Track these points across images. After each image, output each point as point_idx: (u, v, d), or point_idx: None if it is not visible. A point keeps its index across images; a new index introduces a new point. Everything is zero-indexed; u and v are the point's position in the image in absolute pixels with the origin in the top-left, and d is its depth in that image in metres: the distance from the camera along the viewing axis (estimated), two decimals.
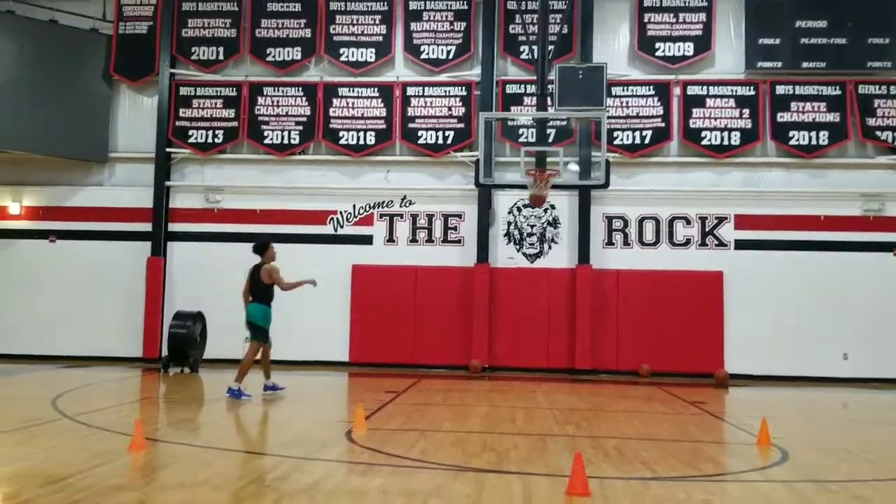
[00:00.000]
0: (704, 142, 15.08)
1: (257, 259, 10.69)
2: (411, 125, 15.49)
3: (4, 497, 4.73)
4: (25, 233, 15.93)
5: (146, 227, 15.60)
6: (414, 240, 15.42)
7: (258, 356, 10.32)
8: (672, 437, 7.87)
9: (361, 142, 15.51)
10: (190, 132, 15.80)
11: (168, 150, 15.77)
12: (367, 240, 15.46)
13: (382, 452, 6.53)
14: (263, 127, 15.71)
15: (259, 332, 10.23)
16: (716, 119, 15.11)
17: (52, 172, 15.96)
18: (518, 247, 15.23)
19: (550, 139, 14.36)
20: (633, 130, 15.18)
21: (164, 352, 14.16)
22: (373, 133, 15.51)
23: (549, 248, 15.19)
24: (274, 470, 5.71)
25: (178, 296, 15.40)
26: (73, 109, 15.52)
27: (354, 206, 15.56)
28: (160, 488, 5.16)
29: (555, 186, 12.11)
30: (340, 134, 15.55)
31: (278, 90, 15.76)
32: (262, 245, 10.66)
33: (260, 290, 10.29)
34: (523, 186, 12.62)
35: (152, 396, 10.89)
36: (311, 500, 4.81)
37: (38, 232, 15.91)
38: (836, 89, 14.96)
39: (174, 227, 15.78)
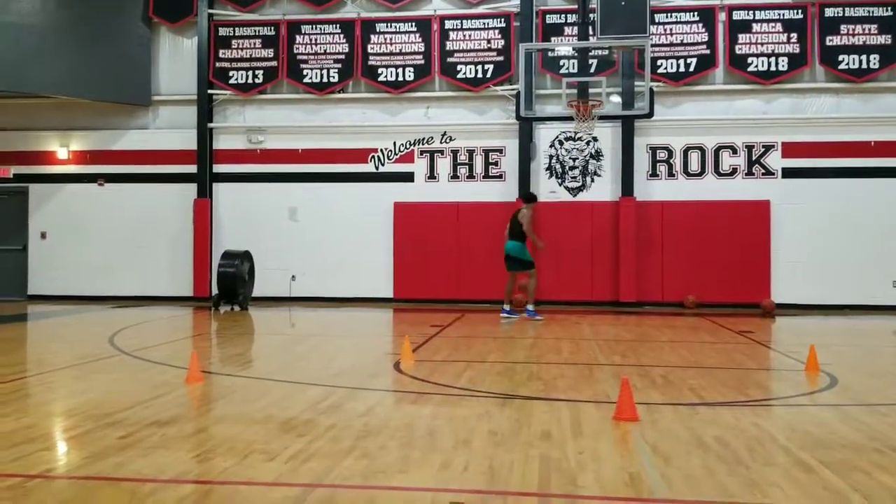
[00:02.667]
0: (751, 68, 14.62)
1: None
2: (450, 60, 15.28)
3: (65, 429, 4.95)
4: (74, 177, 16.26)
5: (191, 169, 15.81)
6: (455, 176, 15.38)
7: (524, 282, 12.71)
8: (719, 364, 7.87)
9: (400, 78, 15.38)
10: (230, 73, 15.83)
11: (209, 91, 15.84)
12: (408, 177, 15.47)
13: (430, 382, 6.67)
14: (302, 66, 15.65)
15: (517, 262, 12.36)
16: (763, 45, 14.60)
17: (98, 117, 16.18)
18: (560, 180, 15.09)
19: (592, 69, 14.07)
20: (678, 58, 14.78)
21: (214, 291, 14.51)
22: (412, 69, 15.36)
23: (592, 181, 15.03)
24: (326, 399, 5.87)
25: (224, 236, 15.67)
26: (116, 53, 15.63)
27: (395, 143, 15.53)
28: (219, 417, 5.36)
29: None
30: (379, 71, 15.42)
31: (316, 28, 15.64)
32: (532, 196, 12.90)
33: (516, 230, 12.31)
34: (565, 119, 12.47)
35: (205, 333, 11.20)
36: (365, 427, 4.96)
37: (87, 176, 16.24)
38: (887, 10, 14.31)
39: (218, 168, 15.96)
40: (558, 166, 15.09)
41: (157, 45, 16.18)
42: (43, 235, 16.27)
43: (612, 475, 4.00)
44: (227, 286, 13.81)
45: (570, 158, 15.06)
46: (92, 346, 8.94)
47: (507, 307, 12.50)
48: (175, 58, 16.19)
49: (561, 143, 15.04)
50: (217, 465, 4.07)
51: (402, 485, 3.80)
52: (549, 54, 14.80)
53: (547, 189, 15.08)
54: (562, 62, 14.91)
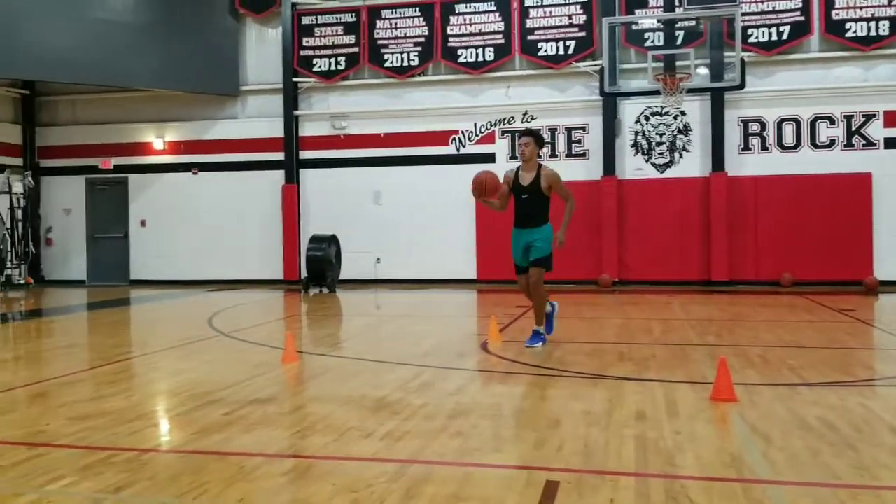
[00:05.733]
0: (849, 34, 13.89)
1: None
2: (530, 38, 15.11)
3: (172, 407, 5.17)
4: (170, 166, 16.92)
5: (279, 156, 16.20)
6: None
7: None
8: (820, 344, 7.57)
9: (480, 58, 15.32)
10: (314, 61, 16.10)
11: (294, 79, 16.17)
12: (489, 158, 15.42)
13: (519, 362, 6.66)
14: (383, 51, 15.77)
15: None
16: (861, 8, 13.85)
17: (190, 108, 16.75)
18: (646, 157, 14.76)
19: (679, 41, 13.64)
20: (770, 26, 14.18)
21: (304, 274, 14.88)
22: (491, 49, 15.27)
23: (680, 156, 14.63)
24: (417, 378, 5.94)
25: (311, 220, 16.02)
26: (205, 46, 16.14)
27: (476, 124, 15.49)
28: (315, 396, 5.50)
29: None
30: (459, 52, 15.40)
31: (396, 12, 15.72)
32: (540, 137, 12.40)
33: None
34: (651, 93, 12.16)
35: (296, 315, 11.50)
36: (456, 406, 5.00)
37: (181, 165, 16.86)
38: None
39: (304, 154, 16.31)
40: (644, 142, 14.75)
41: (244, 37, 16.60)
42: (142, 223, 17.02)
43: (712, 456, 3.91)
44: (316, 269, 14.15)
45: (656, 134, 14.70)
46: (192, 328, 9.32)
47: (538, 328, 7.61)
48: (261, 48, 16.57)
49: (647, 118, 14.70)
50: (316, 442, 4.18)
51: (498, 463, 3.82)
52: (633, 27, 14.46)
53: (633, 166, 14.78)
54: (646, 35, 14.54)
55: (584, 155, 15.03)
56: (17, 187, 16.42)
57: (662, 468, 3.72)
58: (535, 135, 7.57)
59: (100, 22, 15.09)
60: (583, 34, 14.84)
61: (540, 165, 7.47)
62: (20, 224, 16.46)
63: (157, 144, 16.93)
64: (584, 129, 15.01)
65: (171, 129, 16.91)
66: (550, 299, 7.83)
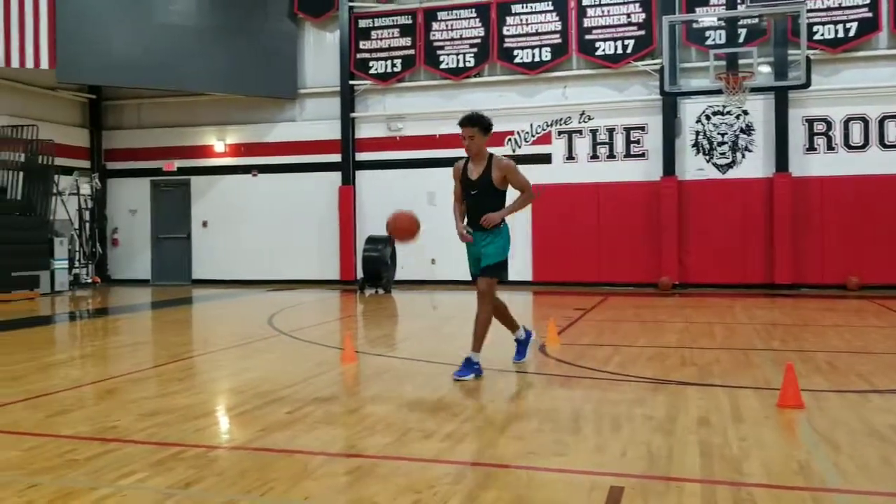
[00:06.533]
0: None
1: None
2: (588, 37, 14.98)
3: (237, 404, 5.27)
4: (230, 168, 17.27)
5: (335, 157, 16.39)
6: (594, 156, 15.10)
7: None
8: (891, 350, 7.32)
9: (537, 59, 15.25)
10: (370, 63, 16.25)
11: (351, 82, 16.34)
12: (545, 158, 15.34)
13: (578, 366, 6.60)
14: (439, 52, 15.83)
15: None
16: None
17: (250, 111, 17.08)
18: (708, 157, 14.48)
19: (741, 39, 13.41)
20: (836, 23, 13.78)
21: (360, 274, 15.02)
22: (548, 49, 15.18)
23: (743, 156, 14.31)
24: (475, 380, 5.93)
25: (367, 221, 16.15)
26: (265, 50, 16.43)
27: (532, 125, 15.43)
28: (374, 396, 5.53)
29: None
30: (515, 52, 15.35)
31: (452, 14, 15.76)
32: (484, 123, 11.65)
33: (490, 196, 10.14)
34: (713, 92, 11.96)
35: (353, 315, 11.62)
36: (516, 409, 4.98)
37: (241, 167, 17.19)
38: None
39: (361, 156, 16.46)
40: (705, 142, 14.48)
41: (302, 40, 16.84)
42: (204, 224, 17.40)
43: (780, 463, 3.81)
44: (372, 270, 14.27)
45: (718, 134, 14.41)
46: (253, 327, 9.49)
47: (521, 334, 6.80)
48: (318, 51, 16.79)
49: (708, 117, 14.42)
50: (378, 441, 4.21)
51: (560, 467, 3.79)
52: (694, 25, 14.23)
53: (694, 166, 14.53)
54: (707, 33, 14.28)
55: (642, 155, 14.82)
56: (85, 189, 16.97)
57: (729, 475, 3.64)
58: (478, 122, 6.03)
59: (164, 28, 15.51)
60: (642, 33, 14.65)
61: (491, 155, 6.13)
62: (88, 225, 17.02)
63: (219, 147, 17.31)
64: (642, 128, 14.81)
65: (232, 131, 17.26)
66: (529, 324, 6.81)
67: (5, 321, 10.47)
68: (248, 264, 16.86)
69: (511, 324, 6.63)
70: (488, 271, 6.17)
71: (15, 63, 14.47)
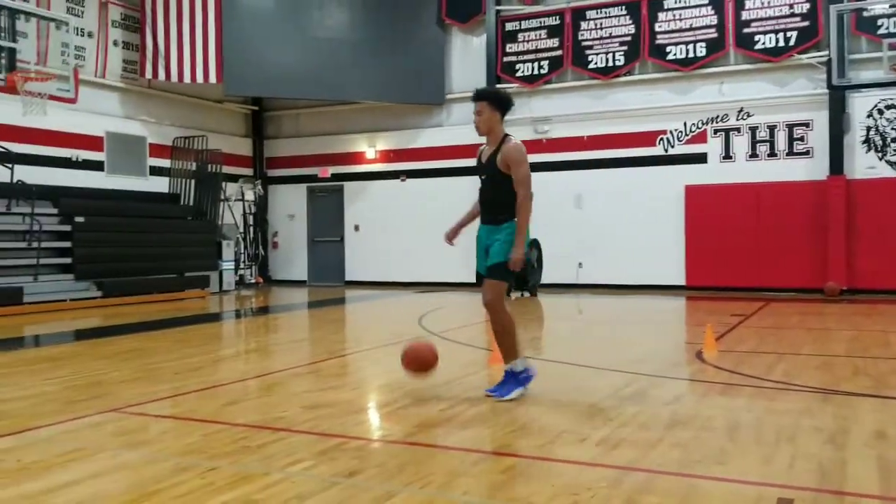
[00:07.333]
0: None
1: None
2: (746, 30, 14.29)
3: (393, 400, 5.41)
4: (380, 174, 17.83)
5: None
6: (754, 155, 14.37)
7: None
8: None
9: (691, 55, 14.72)
10: (517, 66, 16.29)
11: (497, 86, 16.43)
12: (700, 158, 14.77)
13: (738, 373, 6.30)
14: (587, 52, 15.63)
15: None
16: None
17: (399, 118, 17.57)
18: (880, 154, 13.42)
19: None
20: None
21: None
22: (703, 44, 14.62)
23: None
24: (628, 386, 5.80)
25: None
26: (415, 58, 16.87)
27: (685, 123, 14.90)
28: (525, 398, 5.52)
29: None
30: (668, 49, 14.90)
31: (601, 12, 15.52)
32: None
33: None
34: (887, 84, 11.11)
35: None
36: (673, 416, 4.82)
37: (391, 173, 17.71)
38: None
39: None
40: (878, 138, 13.43)
41: (450, 46, 17.13)
42: (356, 228, 18.08)
43: None
44: (518, 273, 14.20)
45: (892, 129, 13.33)
46: (404, 326, 9.74)
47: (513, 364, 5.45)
48: (465, 56, 17.02)
49: (881, 112, 13.37)
50: (531, 443, 4.21)
51: (723, 476, 3.63)
52: (864, 14, 13.23)
53: (864, 164, 13.53)
54: (880, 21, 13.26)
55: (807, 153, 13.96)
56: (249, 195, 18.11)
57: None
58: (489, 96, 5.38)
59: (320, 41, 16.29)
60: (806, 24, 13.80)
61: (505, 136, 5.38)
62: (251, 228, 18.13)
63: (370, 153, 17.92)
64: (807, 125, 13.95)
65: (382, 138, 17.82)
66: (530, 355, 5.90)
67: (181, 317, 11.34)
68: (396, 266, 17.34)
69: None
70: (494, 272, 5.28)
71: (187, 79, 15.69)
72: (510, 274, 5.26)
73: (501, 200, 5.32)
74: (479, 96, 5.32)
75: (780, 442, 4.19)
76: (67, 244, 13.14)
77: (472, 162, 16.88)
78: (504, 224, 5.33)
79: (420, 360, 5.34)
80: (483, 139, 5.50)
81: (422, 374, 5.41)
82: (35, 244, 12.44)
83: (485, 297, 5.31)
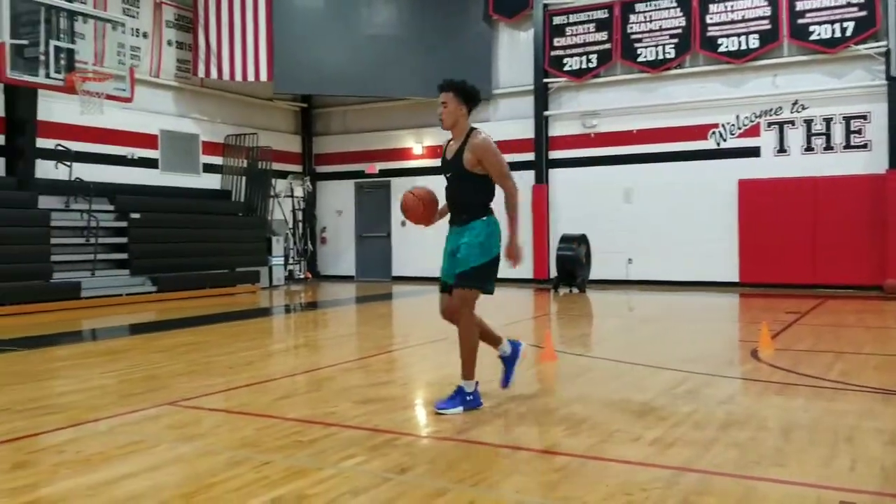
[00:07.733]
0: None
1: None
2: (801, 21, 13.93)
3: (430, 401, 5.39)
4: (427, 170, 17.82)
5: (529, 156, 16.43)
6: (809, 148, 14.02)
7: None
8: None
9: (743, 46, 14.41)
10: (565, 60, 16.14)
11: (545, 80, 16.32)
12: (753, 152, 14.46)
13: (795, 372, 6.15)
14: (637, 45, 15.41)
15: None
16: None
17: None
18: None
19: None
20: None
21: (553, 273, 14.96)
22: (756, 36, 14.30)
23: None
24: (682, 384, 5.71)
25: (561, 220, 16.07)
26: (461, 53, 16.84)
27: (738, 116, 14.60)
28: (577, 395, 5.48)
29: None
30: (719, 41, 14.61)
31: (650, 5, 15.29)
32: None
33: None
34: None
35: (547, 314, 11.59)
36: (729, 415, 4.73)
37: (437, 169, 17.64)
38: None
39: (553, 154, 16.40)
40: None
41: (496, 41, 17.06)
42: (403, 223, 18.10)
43: None
44: (566, 269, 14.17)
45: None
46: (443, 322, 9.71)
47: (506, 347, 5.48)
48: (512, 51, 16.93)
49: None
50: (584, 441, 4.16)
51: (782, 478, 3.54)
52: None
53: None
54: None
55: (864, 146, 13.56)
56: (298, 191, 18.31)
57: None
58: (455, 88, 4.98)
59: (368, 39, 16.39)
60: (863, 13, 13.38)
61: (472, 130, 5.01)
62: (300, 224, 18.34)
63: (417, 150, 17.96)
64: (864, 117, 13.54)
65: (429, 134, 17.84)
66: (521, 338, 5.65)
67: (233, 312, 11.53)
68: (438, 262, 17.27)
69: (492, 337, 5.27)
70: (463, 280, 4.86)
71: (238, 77, 15.93)
72: (482, 281, 4.89)
73: (467, 200, 4.98)
74: (444, 87, 4.97)
75: (840, 443, 4.08)
76: (123, 240, 13.46)
77: (519, 157, 16.84)
78: (467, 224, 4.95)
79: (416, 215, 5.23)
80: (449, 134, 5.17)
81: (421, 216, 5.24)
82: (92, 240, 12.77)
83: (451, 306, 4.93)
